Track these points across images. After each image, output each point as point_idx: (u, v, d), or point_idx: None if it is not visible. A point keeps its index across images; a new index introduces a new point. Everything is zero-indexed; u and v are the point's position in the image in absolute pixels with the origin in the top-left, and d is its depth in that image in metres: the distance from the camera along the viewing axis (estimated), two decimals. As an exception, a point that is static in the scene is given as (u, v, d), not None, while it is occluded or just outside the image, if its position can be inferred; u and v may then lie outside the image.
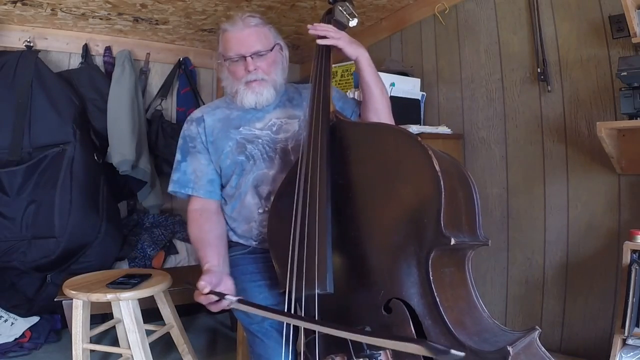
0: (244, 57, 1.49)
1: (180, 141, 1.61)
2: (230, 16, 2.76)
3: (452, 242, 1.02)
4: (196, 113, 1.63)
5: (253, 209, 1.50)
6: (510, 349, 0.93)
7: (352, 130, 1.28)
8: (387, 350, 1.06)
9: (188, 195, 1.57)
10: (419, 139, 1.14)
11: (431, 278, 1.04)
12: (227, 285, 1.32)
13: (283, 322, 1.25)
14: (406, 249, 1.09)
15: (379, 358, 1.06)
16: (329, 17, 1.55)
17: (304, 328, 1.20)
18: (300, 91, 1.65)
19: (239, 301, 1.22)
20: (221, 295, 1.23)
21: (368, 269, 1.15)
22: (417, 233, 1.08)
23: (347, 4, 1.54)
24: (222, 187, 1.58)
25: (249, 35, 1.49)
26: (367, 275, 1.14)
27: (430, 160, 1.08)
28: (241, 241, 1.55)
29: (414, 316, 1.06)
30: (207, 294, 1.24)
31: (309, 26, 1.46)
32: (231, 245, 1.57)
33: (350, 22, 1.52)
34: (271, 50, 1.53)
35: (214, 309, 1.26)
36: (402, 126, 2.24)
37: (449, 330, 1.01)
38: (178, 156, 1.59)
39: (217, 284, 1.29)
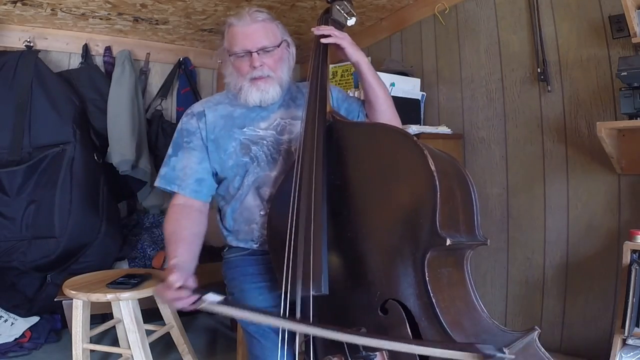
0: (250, 53, 1.44)
1: (175, 134, 1.55)
2: (230, 16, 2.76)
3: (448, 242, 1.01)
4: (197, 107, 1.57)
5: (254, 210, 1.48)
6: (506, 350, 0.92)
7: (349, 131, 1.27)
8: (384, 352, 1.06)
9: (173, 192, 1.50)
10: (415, 138, 1.13)
11: (427, 279, 1.03)
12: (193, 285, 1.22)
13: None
14: (402, 249, 1.08)
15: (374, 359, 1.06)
16: (326, 17, 1.54)
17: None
18: (302, 90, 1.59)
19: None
20: (201, 294, 1.12)
21: (364, 269, 1.14)
22: (412, 233, 1.07)
23: (345, 3, 1.53)
24: (225, 187, 1.54)
25: (255, 31, 1.45)
26: (363, 276, 1.14)
27: (425, 160, 1.07)
28: (241, 244, 1.52)
29: (410, 317, 1.06)
30: (180, 288, 1.15)
31: (313, 28, 1.44)
32: (231, 248, 1.57)
33: (348, 21, 1.51)
34: (278, 46, 1.49)
35: (180, 305, 1.17)
36: (402, 126, 2.23)
37: (445, 332, 1.00)
38: (170, 150, 1.53)
39: (186, 281, 1.20)
